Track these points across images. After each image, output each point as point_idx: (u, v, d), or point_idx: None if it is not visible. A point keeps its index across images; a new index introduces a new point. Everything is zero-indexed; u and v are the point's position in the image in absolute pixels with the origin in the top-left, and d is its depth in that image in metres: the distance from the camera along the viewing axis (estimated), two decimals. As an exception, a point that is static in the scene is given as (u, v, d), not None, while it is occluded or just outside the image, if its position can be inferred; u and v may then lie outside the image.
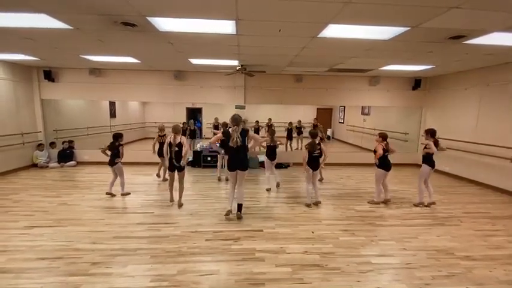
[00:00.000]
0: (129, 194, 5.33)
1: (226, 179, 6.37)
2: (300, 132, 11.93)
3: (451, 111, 7.48)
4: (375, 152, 4.93)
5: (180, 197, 4.81)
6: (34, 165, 7.59)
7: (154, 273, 2.85)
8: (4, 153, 6.72)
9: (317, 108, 15.26)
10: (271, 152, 5.91)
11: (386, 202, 5.08)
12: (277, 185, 6.04)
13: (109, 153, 5.10)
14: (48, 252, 3.23)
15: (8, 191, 5.47)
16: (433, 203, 4.96)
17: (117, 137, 5.15)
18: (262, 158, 8.30)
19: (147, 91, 8.06)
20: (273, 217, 4.40)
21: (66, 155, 7.92)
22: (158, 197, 5.29)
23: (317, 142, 4.77)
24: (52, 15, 3.39)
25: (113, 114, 11.16)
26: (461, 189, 6.21)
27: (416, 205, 4.99)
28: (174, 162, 4.60)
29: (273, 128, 12.20)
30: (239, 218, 4.25)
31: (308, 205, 4.84)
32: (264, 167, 8.09)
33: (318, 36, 4.03)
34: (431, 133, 4.84)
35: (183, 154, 4.56)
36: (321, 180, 6.56)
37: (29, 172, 7.11)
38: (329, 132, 13.02)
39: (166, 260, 3.11)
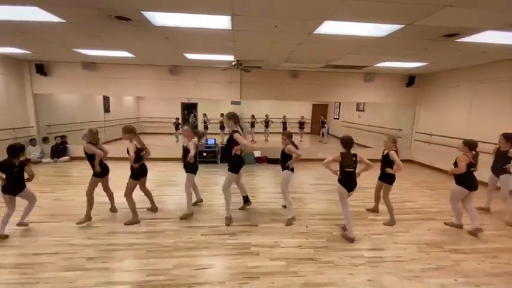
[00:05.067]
0: (27, 225, 3.70)
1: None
2: (301, 127, 12.32)
3: (444, 108, 7.59)
4: (455, 165, 3.73)
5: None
6: (26, 161, 7.49)
7: (151, 268, 2.88)
8: (-4, 148, 6.62)
9: (313, 104, 15.32)
10: (284, 159, 4.01)
11: (473, 232, 3.76)
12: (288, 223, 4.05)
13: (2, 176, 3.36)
14: (44, 247, 3.24)
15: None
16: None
17: (17, 150, 3.41)
18: (257, 154, 8.39)
19: (142, 86, 7.98)
20: (268, 212, 4.45)
21: (59, 150, 7.84)
22: (153, 192, 5.29)
23: (352, 153, 3.43)
24: (44, 8, 3.33)
25: (107, 109, 11.04)
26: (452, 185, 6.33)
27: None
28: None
29: (268, 120, 12.42)
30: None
31: (352, 239, 3.54)
32: (259, 163, 8.22)
33: (314, 32, 4.04)
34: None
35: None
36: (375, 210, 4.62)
37: (22, 167, 7.02)
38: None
39: (162, 254, 3.14)
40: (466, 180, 3.70)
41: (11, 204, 3.45)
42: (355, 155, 3.45)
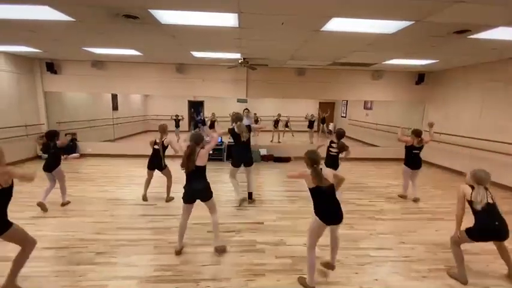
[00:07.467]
0: (69, 202, 4.51)
1: None
2: (311, 126, 11.76)
3: (454, 106, 7.44)
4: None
5: None
6: (38, 157, 7.67)
7: (158, 263, 2.93)
8: (8, 144, 6.78)
9: (319, 102, 15.19)
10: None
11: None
12: None
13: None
14: (54, 241, 3.32)
15: (13, 182, 5.55)
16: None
17: (53, 135, 4.31)
18: (264, 152, 8.39)
19: (149, 84, 8.06)
20: (274, 210, 4.46)
21: (69, 147, 7.98)
22: (161, 189, 5.36)
23: (336, 141, 4.55)
24: (55, 7, 3.39)
25: (115, 107, 11.18)
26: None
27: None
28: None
29: (278, 120, 11.99)
30: (251, 202, 4.71)
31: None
32: (265, 161, 8.22)
33: (321, 29, 4.01)
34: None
35: None
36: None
37: (33, 163, 7.20)
38: (331, 126, 13.01)
39: (169, 250, 3.18)
40: (408, 161, 4.94)
41: (51, 180, 4.39)
42: (342, 144, 4.46)
